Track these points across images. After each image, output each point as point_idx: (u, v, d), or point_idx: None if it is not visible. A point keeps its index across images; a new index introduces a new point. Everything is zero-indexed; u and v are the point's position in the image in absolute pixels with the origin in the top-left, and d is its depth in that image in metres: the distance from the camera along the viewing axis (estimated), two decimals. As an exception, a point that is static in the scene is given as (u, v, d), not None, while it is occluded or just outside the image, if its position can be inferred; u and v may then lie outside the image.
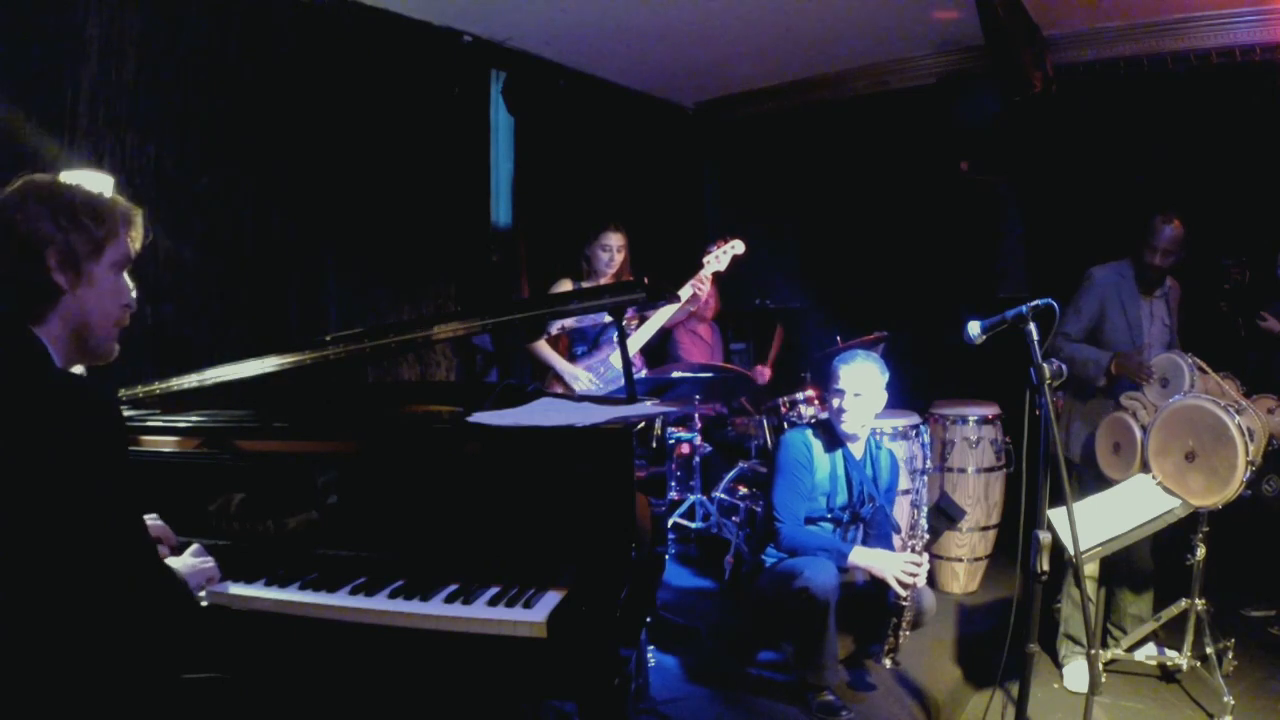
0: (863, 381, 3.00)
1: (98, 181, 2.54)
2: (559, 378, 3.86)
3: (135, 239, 1.54)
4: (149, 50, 3.27)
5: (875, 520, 3.12)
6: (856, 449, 3.11)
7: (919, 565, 2.82)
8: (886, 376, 3.06)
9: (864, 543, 3.08)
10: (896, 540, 3.07)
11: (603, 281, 3.84)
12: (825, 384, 3.15)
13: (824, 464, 3.06)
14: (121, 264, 1.50)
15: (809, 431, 3.13)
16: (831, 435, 3.10)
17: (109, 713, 1.39)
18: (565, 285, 3.90)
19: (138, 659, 1.42)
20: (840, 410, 3.03)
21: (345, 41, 3.94)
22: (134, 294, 1.54)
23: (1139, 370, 3.09)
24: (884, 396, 3.07)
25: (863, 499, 3.08)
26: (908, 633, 2.89)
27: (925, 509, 3.00)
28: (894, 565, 2.83)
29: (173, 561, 1.73)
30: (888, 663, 2.91)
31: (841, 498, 3.07)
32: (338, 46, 3.91)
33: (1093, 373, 3.19)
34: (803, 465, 3.02)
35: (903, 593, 2.81)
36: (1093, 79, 4.61)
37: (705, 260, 3.87)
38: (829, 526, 3.08)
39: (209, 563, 1.74)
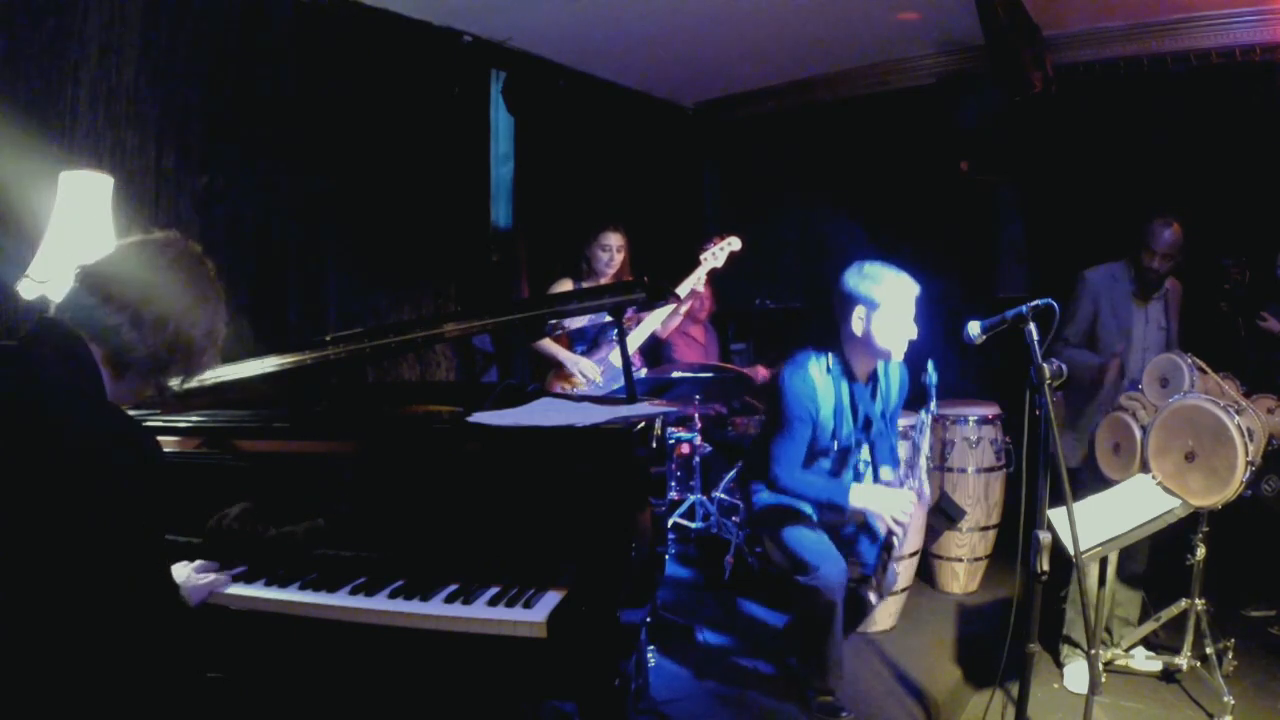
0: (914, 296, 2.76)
1: (98, 181, 2.54)
2: (560, 375, 3.87)
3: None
4: (149, 50, 3.27)
5: (878, 445, 2.98)
6: (863, 376, 2.88)
7: (914, 503, 2.75)
8: None
9: (869, 461, 2.98)
10: (892, 474, 2.95)
11: (603, 281, 3.85)
12: (855, 303, 2.73)
13: (829, 399, 2.81)
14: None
15: (812, 367, 2.80)
16: (845, 367, 2.83)
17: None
18: (565, 285, 3.91)
19: (138, 669, 1.42)
20: (901, 331, 2.71)
21: (345, 41, 3.94)
22: None
23: (1117, 368, 3.08)
24: None
25: (867, 426, 2.93)
26: (897, 567, 2.84)
27: (923, 446, 2.81)
28: (893, 505, 2.72)
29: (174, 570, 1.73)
30: (873, 597, 2.82)
31: (846, 429, 2.88)
32: (338, 46, 3.91)
33: (1089, 376, 3.20)
34: (808, 417, 2.77)
35: (898, 530, 2.73)
36: (1093, 79, 4.61)
37: (702, 257, 3.87)
38: (827, 464, 2.91)
39: (208, 576, 1.75)
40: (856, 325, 2.74)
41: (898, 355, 2.77)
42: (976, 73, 4.74)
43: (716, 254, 3.87)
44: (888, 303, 2.69)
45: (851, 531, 2.96)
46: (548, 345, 3.91)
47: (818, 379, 2.79)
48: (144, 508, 1.40)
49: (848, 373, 2.83)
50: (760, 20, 4.55)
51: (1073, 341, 3.29)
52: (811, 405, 2.76)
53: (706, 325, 5.08)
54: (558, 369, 3.88)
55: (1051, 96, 4.30)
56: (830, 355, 2.82)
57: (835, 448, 2.89)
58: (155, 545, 1.47)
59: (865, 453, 2.99)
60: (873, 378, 2.90)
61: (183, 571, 1.73)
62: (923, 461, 2.81)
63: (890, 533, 2.76)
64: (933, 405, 2.77)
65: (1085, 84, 4.60)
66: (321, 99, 3.86)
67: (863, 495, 2.76)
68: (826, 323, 2.89)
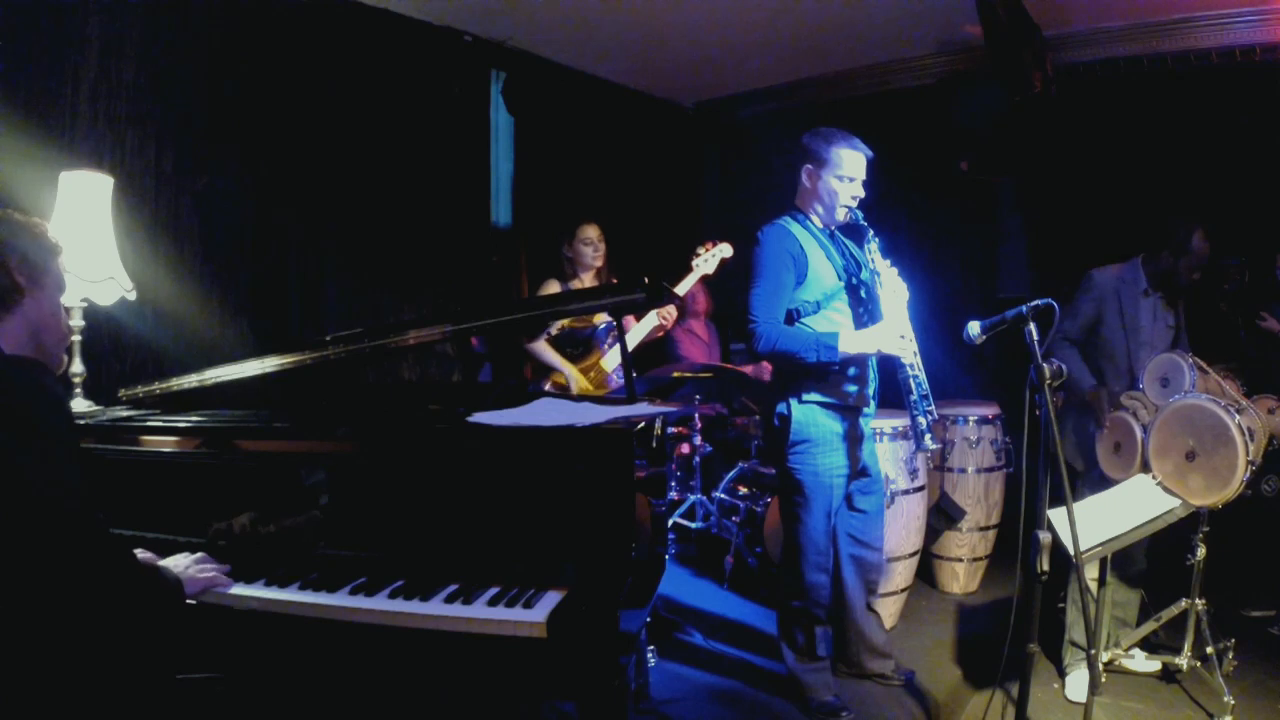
0: (864, 169, 2.82)
1: (98, 182, 2.54)
2: (556, 378, 3.86)
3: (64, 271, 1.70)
4: (149, 50, 3.27)
5: (872, 294, 2.85)
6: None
7: (906, 331, 2.70)
8: None
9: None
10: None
11: (587, 276, 3.86)
12: (806, 159, 2.81)
13: (814, 247, 2.79)
14: (60, 286, 1.65)
15: (787, 223, 2.81)
16: (819, 222, 2.85)
17: (84, 712, 1.39)
18: (553, 287, 3.90)
19: (106, 655, 1.43)
20: (853, 198, 2.78)
21: (345, 41, 3.94)
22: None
23: (1100, 415, 3.07)
24: None
25: (857, 272, 2.87)
26: (933, 410, 2.69)
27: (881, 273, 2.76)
28: (886, 336, 2.66)
29: (170, 561, 1.73)
30: (930, 443, 2.68)
31: (841, 264, 2.84)
32: (338, 46, 3.91)
33: (1070, 387, 3.18)
34: (790, 263, 2.73)
35: (908, 360, 2.67)
36: (1093, 79, 4.61)
37: (694, 263, 3.85)
38: (849, 312, 2.83)
39: (208, 571, 1.75)
40: (806, 179, 2.83)
41: (840, 214, 2.80)
42: (976, 73, 4.74)
43: (708, 259, 3.85)
44: (834, 162, 2.76)
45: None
46: (545, 352, 3.88)
47: (797, 232, 2.80)
48: (35, 458, 1.38)
49: (818, 228, 2.86)
50: (760, 20, 4.55)
51: (1072, 337, 3.26)
52: (795, 250, 2.76)
53: (708, 322, 5.08)
54: (553, 371, 3.87)
55: (1051, 96, 4.30)
56: (799, 215, 2.86)
57: (849, 300, 2.82)
58: (69, 503, 1.41)
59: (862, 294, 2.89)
60: (836, 242, 2.90)
61: (182, 561, 1.74)
62: (879, 292, 2.77)
63: (905, 370, 2.67)
64: (870, 235, 2.81)
65: (1085, 84, 4.60)
66: (322, 99, 3.86)
67: (854, 340, 2.69)
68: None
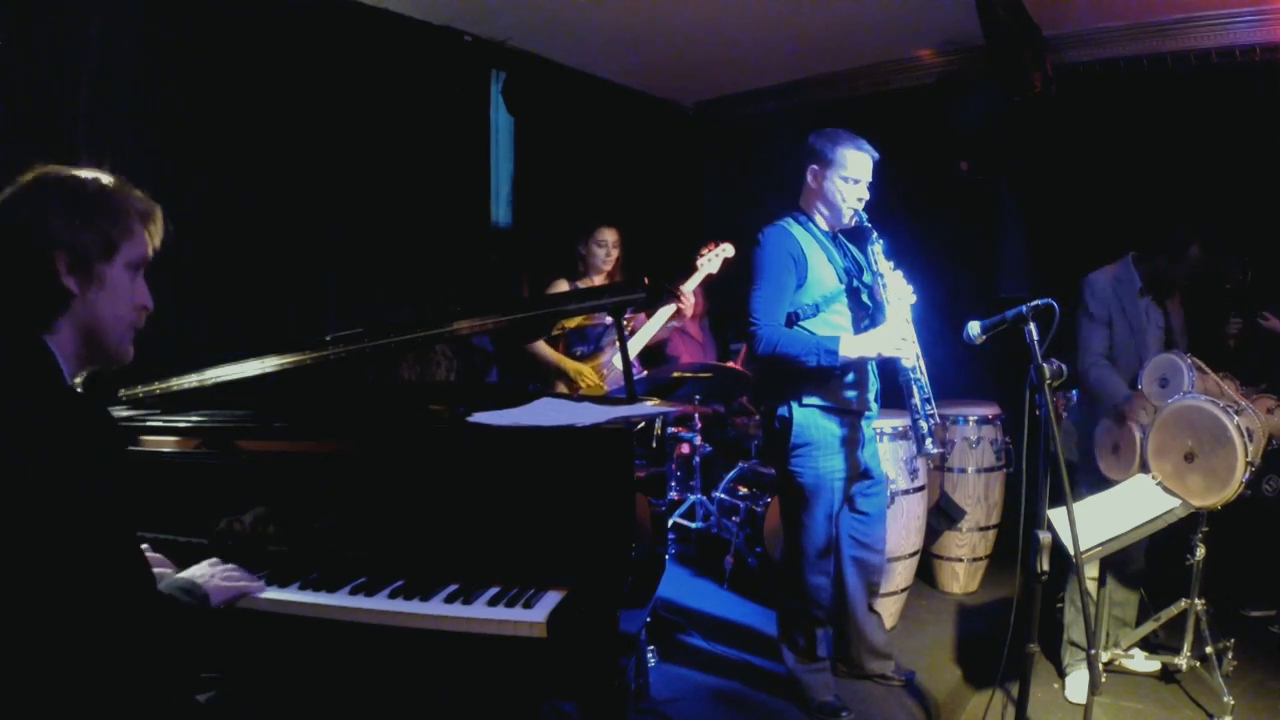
0: (870, 170, 2.81)
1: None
2: (562, 378, 3.86)
3: (155, 235, 1.43)
4: (149, 50, 3.27)
5: (875, 297, 2.84)
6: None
7: (908, 334, 2.68)
8: None
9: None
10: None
11: (598, 278, 3.87)
12: (811, 160, 2.82)
13: (815, 250, 2.79)
14: (138, 263, 1.41)
15: (788, 225, 2.82)
16: (823, 223, 2.86)
17: None
18: (562, 286, 3.92)
19: (129, 677, 1.34)
20: (859, 199, 2.77)
21: (345, 41, 3.94)
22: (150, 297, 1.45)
23: (1132, 420, 3.03)
24: None
25: (859, 275, 2.86)
26: (934, 414, 2.67)
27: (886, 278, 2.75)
28: (887, 340, 2.65)
29: (195, 570, 1.68)
30: (932, 447, 2.64)
31: (842, 266, 2.83)
32: (338, 46, 3.91)
33: (1106, 404, 3.15)
34: (790, 265, 2.73)
35: (910, 364, 2.65)
36: (1093, 79, 4.61)
37: (698, 263, 3.88)
38: (849, 315, 2.82)
39: (239, 581, 1.66)
40: (811, 179, 2.83)
41: (845, 216, 2.80)
42: (976, 73, 4.73)
43: (711, 259, 3.89)
44: (839, 163, 2.76)
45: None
46: (545, 352, 3.88)
47: (797, 234, 2.80)
48: (84, 495, 1.24)
49: (828, 231, 2.85)
50: (760, 20, 4.55)
51: (1104, 354, 3.20)
52: (796, 251, 2.75)
53: (703, 324, 5.08)
54: (562, 375, 3.87)
55: (1051, 96, 4.30)
56: (801, 216, 2.86)
57: (849, 303, 2.81)
58: (115, 540, 1.30)
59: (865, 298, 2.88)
60: (839, 244, 2.90)
61: (206, 570, 1.67)
62: (882, 295, 2.76)
63: (906, 371, 2.66)
64: (874, 238, 2.80)
65: (1085, 84, 4.60)
66: (322, 99, 3.86)
67: (854, 344, 2.68)
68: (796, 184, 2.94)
